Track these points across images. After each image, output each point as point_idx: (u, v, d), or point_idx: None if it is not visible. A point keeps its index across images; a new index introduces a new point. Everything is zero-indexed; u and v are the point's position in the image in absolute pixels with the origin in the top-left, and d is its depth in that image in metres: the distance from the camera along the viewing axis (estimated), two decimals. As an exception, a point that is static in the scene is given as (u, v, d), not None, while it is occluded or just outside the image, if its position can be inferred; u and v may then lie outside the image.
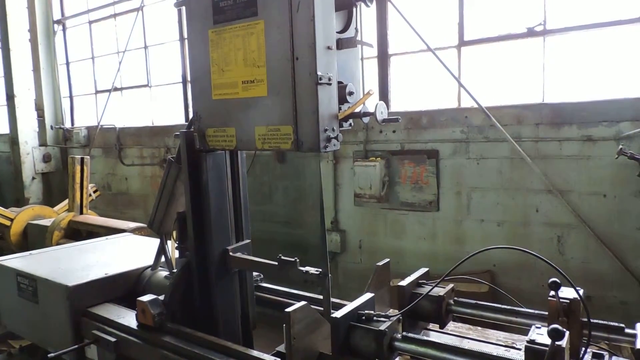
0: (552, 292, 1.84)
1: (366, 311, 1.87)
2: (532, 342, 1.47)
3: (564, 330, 1.39)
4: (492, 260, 4.63)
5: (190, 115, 2.44)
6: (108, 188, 8.49)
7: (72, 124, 9.49)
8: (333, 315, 1.79)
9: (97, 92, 8.95)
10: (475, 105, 4.57)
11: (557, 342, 1.38)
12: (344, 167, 5.56)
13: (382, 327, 1.77)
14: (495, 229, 4.64)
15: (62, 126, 9.30)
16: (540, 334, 1.50)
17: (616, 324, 1.81)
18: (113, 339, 2.40)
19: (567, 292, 1.87)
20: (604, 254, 4.09)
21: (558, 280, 1.80)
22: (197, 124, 2.35)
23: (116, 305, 2.71)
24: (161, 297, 2.41)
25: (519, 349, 2.11)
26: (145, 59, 7.94)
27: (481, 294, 3.96)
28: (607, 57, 4.26)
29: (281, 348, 2.20)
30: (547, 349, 1.42)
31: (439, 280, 2.02)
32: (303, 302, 1.91)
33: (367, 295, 2.00)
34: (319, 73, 1.91)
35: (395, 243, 5.24)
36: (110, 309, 2.65)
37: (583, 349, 1.63)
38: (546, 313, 1.92)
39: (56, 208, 5.96)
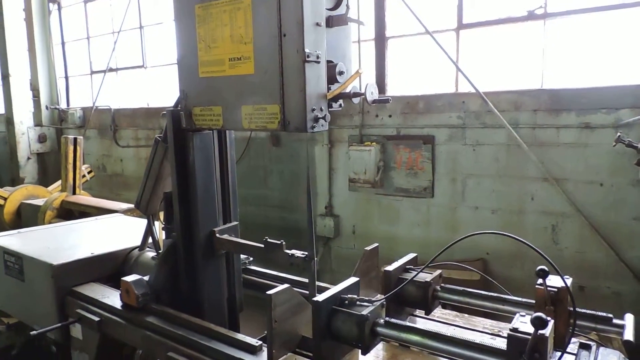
0: (540, 280, 1.81)
1: (349, 295, 1.83)
2: (514, 330, 1.44)
3: (548, 318, 1.35)
4: (485, 248, 4.60)
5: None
6: (103, 169, 8.45)
7: (68, 104, 9.41)
8: (315, 299, 1.75)
9: (92, 72, 8.85)
10: (473, 91, 4.50)
11: (540, 331, 1.34)
12: (339, 152, 5.50)
13: (364, 311, 1.74)
14: (489, 216, 4.61)
15: (57, 106, 9.21)
16: (523, 322, 1.46)
17: (604, 314, 1.78)
18: (97, 318, 2.41)
19: (555, 281, 1.84)
20: (599, 243, 4.06)
21: (546, 268, 1.76)
22: (183, 102, 2.30)
23: (102, 285, 2.71)
24: (146, 278, 2.39)
25: (505, 337, 2.09)
26: (141, 39, 7.83)
27: (473, 282, 3.93)
28: (608, 42, 4.17)
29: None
30: (529, 337, 1.39)
31: (424, 266, 1.99)
32: (286, 285, 1.87)
33: (352, 279, 1.96)
34: (306, 50, 1.85)
35: (389, 229, 5.21)
36: (96, 289, 2.65)
37: (580, 341, 1.59)
38: (534, 301, 1.88)
39: (50, 188, 5.93)
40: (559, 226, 4.25)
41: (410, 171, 4.98)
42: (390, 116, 5.08)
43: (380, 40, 5.29)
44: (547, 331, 1.37)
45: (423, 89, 5.05)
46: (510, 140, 4.38)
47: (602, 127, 3.97)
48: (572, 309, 1.78)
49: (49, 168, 9.15)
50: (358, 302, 1.81)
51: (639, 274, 3.94)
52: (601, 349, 1.85)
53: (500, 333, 2.13)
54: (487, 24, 4.65)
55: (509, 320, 2.15)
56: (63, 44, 9.36)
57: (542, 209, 4.33)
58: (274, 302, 1.79)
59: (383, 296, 2.09)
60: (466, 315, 2.35)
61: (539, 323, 1.33)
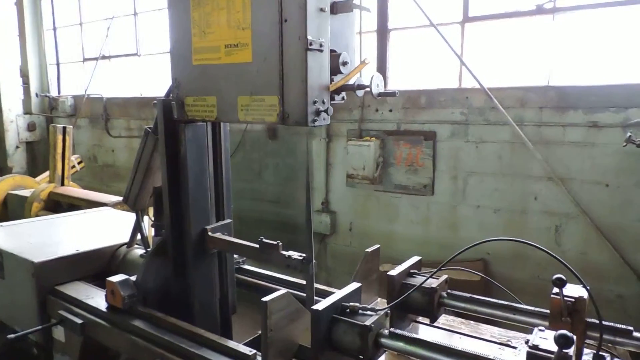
0: (556, 290, 1.68)
1: (351, 303, 1.70)
2: (535, 347, 1.31)
3: (573, 336, 1.22)
4: (485, 248, 4.49)
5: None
6: (94, 160, 8.27)
7: (59, 92, 9.19)
8: (314, 307, 1.62)
9: (84, 59, 8.64)
10: (477, 86, 4.36)
11: (564, 350, 1.21)
12: (337, 146, 5.35)
13: (368, 321, 1.61)
14: (491, 215, 4.49)
15: (47, 94, 8.99)
16: (544, 339, 1.34)
17: (624, 327, 1.66)
18: (79, 321, 2.29)
19: (572, 290, 1.71)
20: (603, 245, 3.95)
21: (563, 277, 1.64)
22: (175, 91, 2.18)
23: (86, 284, 2.59)
24: (133, 278, 2.26)
25: (515, 347, 1.98)
26: (135, 26, 7.63)
27: (473, 283, 3.82)
28: (618, 39, 4.04)
29: None
30: (551, 356, 1.26)
31: (431, 272, 1.86)
32: (283, 291, 1.75)
33: (354, 285, 1.83)
34: (309, 37, 1.73)
35: (387, 227, 5.09)
36: (80, 288, 2.52)
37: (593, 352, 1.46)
38: (547, 311, 1.76)
39: (38, 178, 5.76)
40: (563, 227, 4.14)
41: (410, 168, 4.85)
42: (390, 111, 4.94)
43: (383, 32, 5.14)
44: (572, 350, 1.25)
45: (425, 84, 4.90)
46: (514, 137, 4.25)
47: (609, 127, 3.85)
48: (590, 320, 1.66)
49: (39, 157, 8.95)
50: (361, 311, 1.68)
51: (643, 278, 3.84)
52: (615, 360, 1.74)
53: (510, 342, 2.01)
54: (494, 18, 4.50)
55: (516, 328, 2.05)
56: (55, 29, 9.13)
57: (545, 209, 4.22)
58: (270, 310, 1.66)
59: (386, 304, 1.97)
60: (472, 322, 2.23)
61: (563, 342, 1.21)
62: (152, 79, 7.56)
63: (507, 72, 4.54)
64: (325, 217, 5.45)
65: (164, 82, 7.50)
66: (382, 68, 5.18)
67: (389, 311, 1.70)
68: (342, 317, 1.65)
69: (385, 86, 5.12)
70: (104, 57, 7.97)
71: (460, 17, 4.65)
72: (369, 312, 1.67)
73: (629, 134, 3.18)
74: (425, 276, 2.10)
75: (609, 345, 1.83)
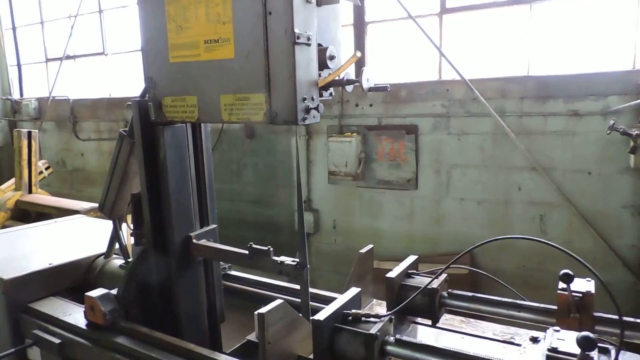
0: (562, 285, 1.63)
1: (353, 310, 1.61)
2: (554, 350, 1.25)
3: (595, 338, 1.16)
4: (471, 240, 4.44)
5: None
6: (63, 165, 7.97)
7: (21, 94, 8.81)
8: (315, 317, 1.52)
9: (47, 60, 8.30)
10: (457, 78, 4.32)
11: (587, 352, 1.15)
12: (317, 143, 5.26)
13: (373, 329, 1.52)
14: (475, 208, 4.48)
15: (9, 97, 8.58)
16: (561, 340, 1.27)
17: (632, 319, 1.61)
18: (57, 340, 2.15)
19: (578, 284, 1.66)
20: (588, 233, 3.99)
21: (571, 272, 1.59)
22: (151, 91, 2.03)
23: (62, 300, 2.45)
24: (114, 291, 2.12)
25: (519, 345, 1.93)
26: (101, 24, 7.35)
27: (460, 276, 3.80)
28: (596, 27, 4.06)
29: (252, 337, 2.04)
30: (573, 359, 1.20)
31: (436, 275, 1.78)
32: (278, 301, 1.64)
33: (353, 291, 1.74)
34: (296, 31, 1.61)
35: (371, 223, 5.03)
36: (55, 305, 2.37)
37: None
38: (553, 307, 1.71)
39: (3, 187, 5.45)
40: (547, 216, 4.16)
41: (393, 162, 4.79)
42: (371, 105, 4.86)
43: (360, 26, 5.05)
44: (596, 354, 1.19)
45: (405, 77, 4.85)
46: (496, 129, 4.24)
47: (590, 115, 3.87)
48: (598, 315, 1.62)
49: (3, 164, 8.54)
50: (363, 318, 1.59)
51: (628, 263, 3.89)
52: (621, 352, 1.69)
53: (513, 340, 1.96)
54: (472, 9, 4.48)
55: (517, 324, 2.00)
56: (14, 29, 8.75)
57: (529, 200, 4.23)
58: (267, 322, 1.55)
59: (385, 306, 1.89)
60: (472, 320, 2.17)
61: (586, 344, 1.14)
62: (122, 78, 7.32)
63: (487, 63, 4.53)
64: (308, 216, 5.35)
65: (135, 81, 7.25)
66: (359, 62, 5.09)
67: (392, 317, 1.62)
68: (344, 326, 1.56)
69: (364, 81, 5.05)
70: (68, 57, 7.66)
71: (438, 9, 4.60)
72: (372, 319, 1.58)
73: (612, 121, 3.19)
74: (424, 276, 2.04)
75: (613, 338, 1.80)
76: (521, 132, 4.16)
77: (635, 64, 3.82)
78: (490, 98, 4.23)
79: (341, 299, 1.66)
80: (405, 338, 1.54)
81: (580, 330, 1.59)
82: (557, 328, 1.37)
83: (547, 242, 1.63)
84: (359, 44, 5.08)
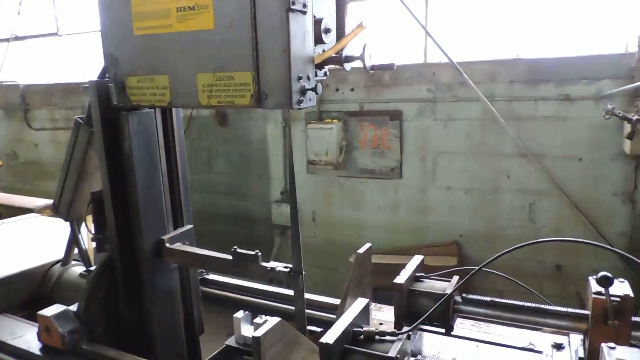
0: (598, 289, 1.43)
1: (364, 328, 1.37)
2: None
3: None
4: (458, 230, 4.35)
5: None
6: (14, 157, 7.49)
7: (-36, 80, 8.10)
8: (323, 340, 1.27)
9: (-7, 41, 7.63)
10: (444, 61, 4.12)
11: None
12: (295, 131, 4.99)
13: (391, 351, 1.29)
14: (462, 197, 4.33)
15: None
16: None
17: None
18: None
19: (614, 288, 1.46)
20: (578, 220, 3.92)
21: (609, 275, 1.38)
22: (112, 71, 1.72)
23: (11, 318, 2.18)
24: (73, 307, 1.83)
25: (540, 352, 1.74)
26: (53, 1, 6.77)
27: (450, 268, 3.64)
28: (588, 10, 3.95)
29: (231, 342, 1.95)
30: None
31: (460, 283, 1.56)
32: (275, 320, 1.38)
33: (361, 302, 1.50)
34: (291, -6, 1.34)
35: (353, 214, 4.82)
36: (2, 324, 2.08)
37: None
38: (585, 312, 1.51)
39: (-54, 182, 4.96)
40: (537, 204, 4.06)
41: (376, 150, 4.58)
42: (352, 90, 4.62)
43: (340, 5, 4.76)
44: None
45: (388, 59, 4.58)
46: (485, 114, 4.08)
47: (582, 99, 3.77)
48: (634, 319, 1.43)
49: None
50: (377, 337, 1.35)
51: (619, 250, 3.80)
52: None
53: (533, 346, 1.77)
54: (459, -13, 4.25)
55: (528, 327, 1.81)
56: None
57: (518, 187, 4.11)
58: (264, 346, 1.30)
59: (392, 311, 1.65)
60: (481, 324, 1.97)
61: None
62: (79, 62, 6.86)
63: (475, 45, 4.35)
64: (285, 208, 5.09)
65: (94, 64, 6.69)
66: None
67: (410, 334, 1.38)
68: (357, 348, 1.31)
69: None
70: (17, 38, 7.09)
71: (423, -14, 4.36)
72: (388, 337, 1.34)
73: (610, 105, 3.05)
74: (434, 279, 1.82)
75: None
76: (511, 118, 4.02)
77: (628, 46, 3.72)
78: (479, 82, 4.05)
79: (349, 315, 1.41)
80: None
81: (617, 338, 1.41)
82: (612, 345, 1.16)
83: (609, 247, 1.41)
84: (339, 24, 4.77)
